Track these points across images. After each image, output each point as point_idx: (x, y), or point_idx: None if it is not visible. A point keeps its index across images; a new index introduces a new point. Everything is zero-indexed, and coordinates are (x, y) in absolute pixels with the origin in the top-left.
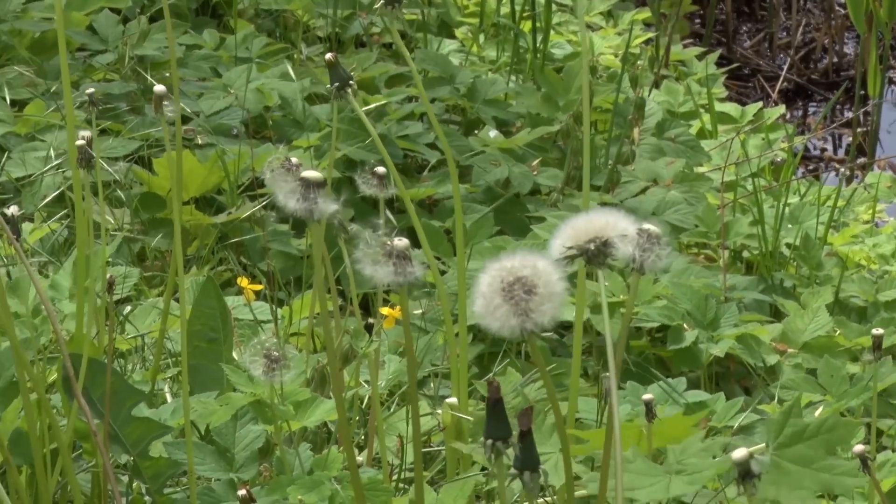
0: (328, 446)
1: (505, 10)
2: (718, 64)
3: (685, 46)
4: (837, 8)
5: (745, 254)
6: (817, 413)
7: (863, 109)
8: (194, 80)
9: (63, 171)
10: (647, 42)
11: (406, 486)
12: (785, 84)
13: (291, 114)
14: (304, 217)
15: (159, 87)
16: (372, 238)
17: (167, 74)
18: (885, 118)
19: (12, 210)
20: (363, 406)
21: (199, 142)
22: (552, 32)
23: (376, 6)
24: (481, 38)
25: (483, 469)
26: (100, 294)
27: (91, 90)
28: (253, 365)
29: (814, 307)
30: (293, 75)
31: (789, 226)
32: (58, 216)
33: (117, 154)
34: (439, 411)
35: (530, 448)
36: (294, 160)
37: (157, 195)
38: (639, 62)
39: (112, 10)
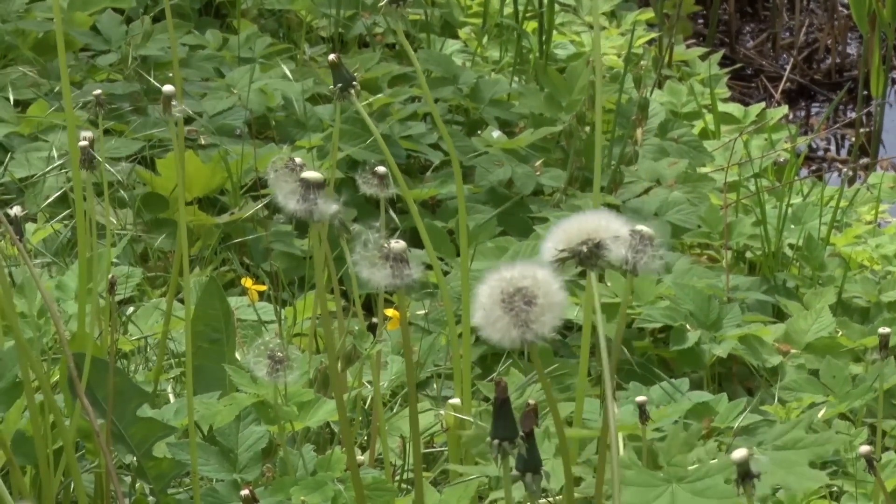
0: (331, 447)
1: (508, 10)
2: (721, 64)
3: (688, 47)
4: (840, 8)
5: (748, 254)
6: (820, 414)
7: (866, 110)
8: (197, 81)
9: (66, 172)
10: (650, 42)
11: (409, 487)
12: (788, 84)
13: (294, 114)
14: (303, 218)
15: (168, 88)
16: (369, 240)
17: (170, 75)
18: (888, 119)
19: (15, 210)
20: (366, 407)
21: (203, 142)
22: (555, 33)
23: (381, 5)
24: (484, 38)
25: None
26: (103, 295)
27: (98, 91)
28: (256, 366)
29: (817, 308)
30: (290, 76)
31: (792, 226)
32: (60, 216)
33: (120, 154)
34: (442, 412)
35: (533, 450)
36: (298, 160)
37: (160, 195)
38: (642, 62)
39: (115, 10)
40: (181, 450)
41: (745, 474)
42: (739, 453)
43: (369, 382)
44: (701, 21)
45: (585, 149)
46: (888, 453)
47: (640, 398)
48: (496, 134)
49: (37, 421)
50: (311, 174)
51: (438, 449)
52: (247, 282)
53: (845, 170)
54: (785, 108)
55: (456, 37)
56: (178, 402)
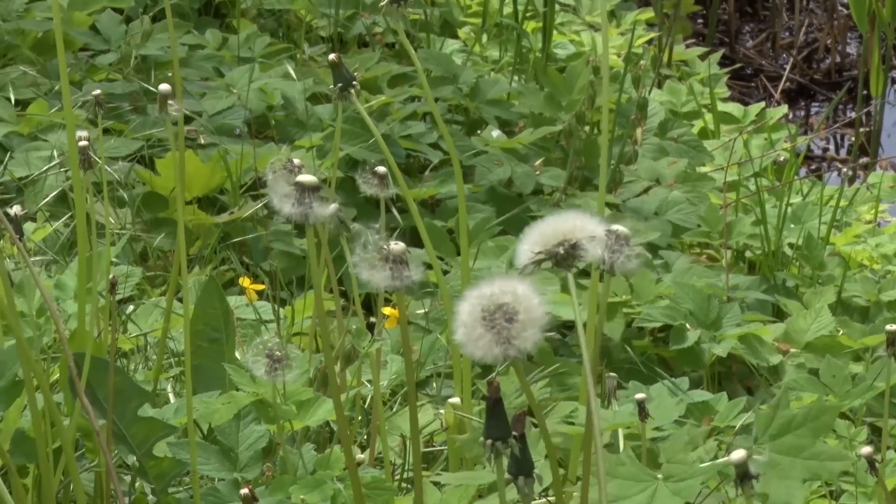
0: (331, 446)
1: (508, 10)
2: (721, 64)
3: (688, 46)
4: (840, 8)
5: (748, 254)
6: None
7: (865, 109)
8: (197, 80)
9: (66, 171)
10: (649, 42)
11: (409, 486)
12: (787, 84)
13: (294, 114)
14: (299, 221)
15: (164, 87)
16: (369, 242)
17: (170, 74)
18: (888, 118)
19: (15, 209)
20: (365, 406)
21: (202, 142)
22: (555, 32)
23: (381, 5)
24: (484, 37)
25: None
26: (102, 294)
27: (97, 91)
28: (256, 365)
29: (816, 307)
30: (294, 75)
31: (792, 226)
32: (64, 218)
33: (119, 154)
34: (442, 411)
35: (525, 453)
36: (296, 162)
37: (159, 195)
38: (641, 62)
39: (115, 9)
40: (181, 449)
41: (743, 475)
42: (738, 454)
43: (369, 381)
44: (700, 21)
45: (585, 148)
46: (888, 452)
47: (640, 395)
48: (496, 133)
49: (37, 420)
50: (306, 178)
51: (438, 448)
52: (245, 281)
53: (845, 169)
54: (784, 108)
55: (455, 36)
56: (177, 402)
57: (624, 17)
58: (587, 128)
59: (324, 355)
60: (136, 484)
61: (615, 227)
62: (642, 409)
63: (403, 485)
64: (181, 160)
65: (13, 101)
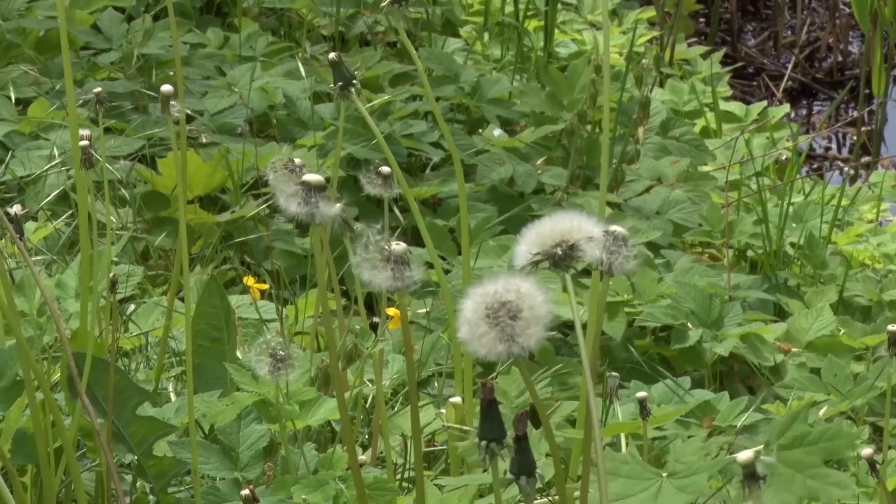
0: (332, 445)
1: (509, 9)
2: (723, 63)
3: (690, 45)
4: (842, 7)
5: (750, 253)
6: (821, 413)
7: (867, 108)
8: (198, 79)
9: (67, 170)
10: (651, 41)
11: (410, 486)
12: (789, 83)
13: (295, 113)
14: (305, 221)
15: (166, 87)
16: (370, 242)
17: (171, 73)
18: (890, 117)
19: (16, 209)
20: (367, 405)
21: (204, 140)
22: (556, 31)
23: (383, 5)
24: (486, 36)
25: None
26: (103, 294)
27: (98, 89)
28: (258, 364)
29: (818, 306)
30: (302, 71)
31: (793, 225)
32: (64, 217)
33: (121, 153)
34: (443, 410)
35: (526, 452)
36: (297, 161)
37: (160, 194)
38: (643, 61)
39: (116, 8)
40: (182, 448)
41: (750, 476)
42: (745, 455)
43: (370, 381)
44: (702, 20)
45: (587, 147)
46: (889, 452)
47: (641, 394)
48: (497, 132)
49: (38, 420)
50: (312, 177)
51: (439, 448)
52: (249, 280)
53: (847, 168)
54: (786, 107)
55: (457, 35)
56: (178, 401)
57: (626, 16)
58: (589, 127)
59: (329, 355)
60: (137, 483)
61: (613, 227)
62: (644, 408)
63: (404, 484)
64: (183, 159)
65: (14, 100)
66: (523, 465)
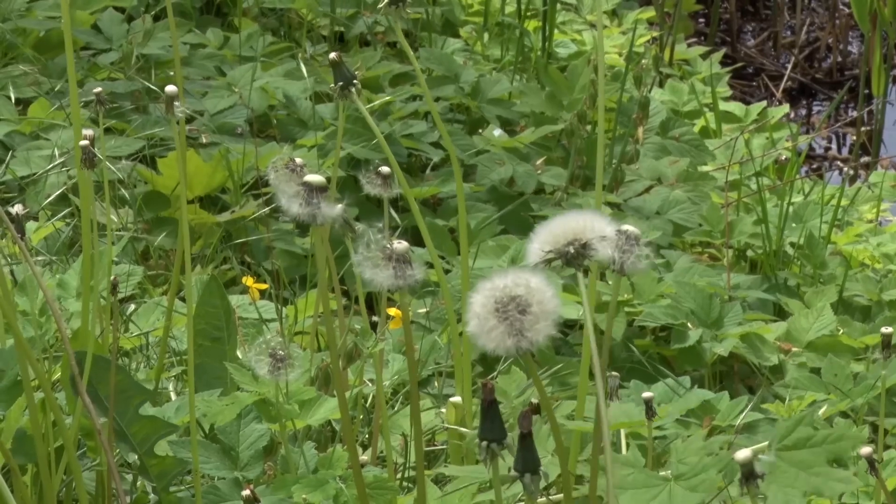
0: (333, 445)
1: (509, 9)
2: (722, 63)
3: (689, 45)
4: (842, 7)
5: (749, 253)
6: (821, 412)
7: (867, 108)
8: (199, 79)
9: (67, 170)
10: (651, 41)
11: (410, 485)
12: (789, 83)
13: (296, 113)
14: (307, 222)
15: (170, 88)
16: (372, 241)
17: (171, 73)
18: (889, 117)
19: (16, 209)
20: (367, 405)
21: (204, 141)
22: (556, 31)
23: (380, 6)
24: (485, 36)
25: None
26: (103, 294)
27: (98, 89)
28: (258, 364)
29: (818, 306)
30: (304, 70)
31: (793, 225)
32: (61, 214)
33: (121, 153)
34: (443, 410)
35: (530, 450)
36: (298, 161)
37: (161, 194)
38: (643, 61)
39: (116, 8)
40: (182, 448)
41: (749, 475)
42: (743, 453)
43: (370, 381)
44: (702, 20)
45: (587, 147)
46: (889, 451)
47: (646, 394)
48: (497, 132)
49: (37, 419)
50: (314, 178)
51: (440, 447)
52: (248, 280)
53: (846, 168)
54: (786, 107)
55: (457, 35)
56: (178, 400)
57: (625, 16)
58: (588, 127)
59: (330, 354)
60: (138, 483)
61: (626, 226)
62: (649, 408)
63: (405, 484)
64: (183, 159)
65: (14, 100)
66: (528, 463)
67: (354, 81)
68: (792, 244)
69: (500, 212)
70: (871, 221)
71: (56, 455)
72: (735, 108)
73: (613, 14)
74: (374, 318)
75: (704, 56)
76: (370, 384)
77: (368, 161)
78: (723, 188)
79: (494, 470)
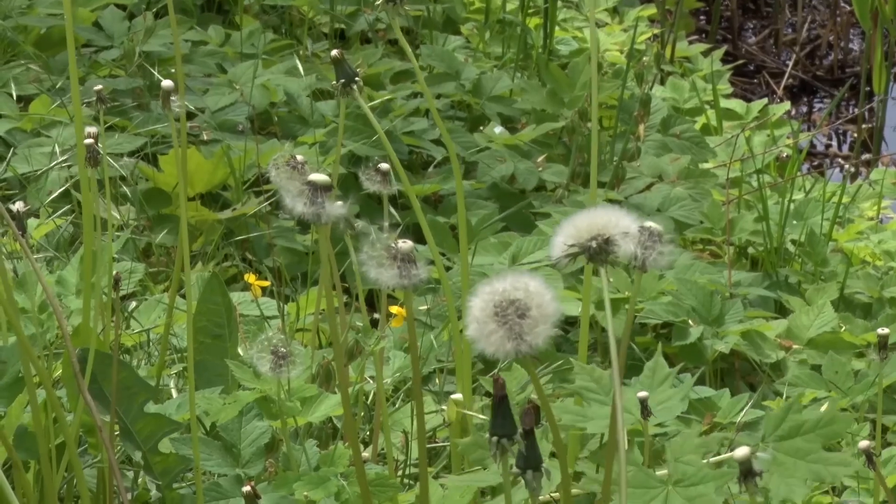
0: (334, 442)
1: (510, 6)
2: (724, 60)
3: (690, 43)
4: (843, 4)
5: (750, 250)
6: (822, 409)
7: (868, 106)
8: (200, 77)
9: (68, 167)
10: (652, 38)
11: (411, 482)
12: (790, 81)
13: (297, 110)
14: (311, 221)
15: (167, 83)
16: (377, 239)
17: (172, 70)
18: (891, 115)
19: (17, 206)
20: (368, 402)
21: (205, 138)
22: (557, 29)
23: (377, 4)
24: (487, 34)
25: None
26: (105, 291)
27: (99, 87)
28: (260, 361)
29: (819, 303)
30: (301, 69)
31: (794, 222)
32: (62, 211)
33: (123, 150)
34: (444, 407)
35: (533, 447)
36: (299, 158)
37: (162, 191)
38: (644, 58)
39: (118, 6)
40: (185, 444)
41: (747, 472)
42: (741, 451)
43: (371, 378)
44: (703, 17)
45: (587, 145)
46: (889, 449)
47: (641, 393)
48: (498, 130)
49: (38, 416)
50: (318, 177)
51: (441, 444)
52: (250, 278)
53: (847, 166)
54: (787, 105)
55: (458, 33)
56: (180, 398)
57: (626, 14)
58: (589, 124)
59: (333, 351)
60: (139, 480)
61: (648, 223)
62: (645, 408)
63: (406, 481)
64: (184, 156)
65: (15, 97)
66: (530, 460)
67: (356, 79)
68: (793, 241)
69: (502, 210)
70: (872, 219)
71: (57, 452)
72: (736, 105)
73: (615, 11)
74: (375, 316)
75: (706, 53)
76: (371, 381)
77: (369, 158)
78: (724, 185)
79: (504, 466)
